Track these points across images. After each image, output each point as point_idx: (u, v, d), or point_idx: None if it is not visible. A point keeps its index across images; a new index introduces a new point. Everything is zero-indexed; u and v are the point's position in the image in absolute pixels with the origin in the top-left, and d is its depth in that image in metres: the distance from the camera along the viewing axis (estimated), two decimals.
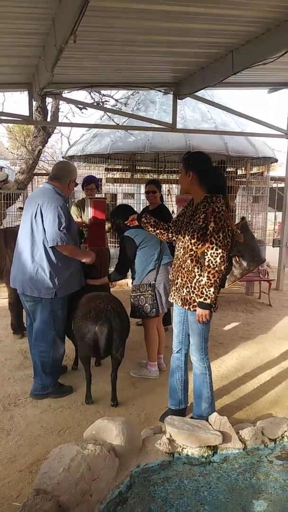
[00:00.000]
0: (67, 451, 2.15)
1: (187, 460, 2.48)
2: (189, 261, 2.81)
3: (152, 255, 3.70)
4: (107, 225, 4.75)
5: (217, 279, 2.70)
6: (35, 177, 9.66)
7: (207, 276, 2.69)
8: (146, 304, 3.67)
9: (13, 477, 2.50)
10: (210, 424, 2.65)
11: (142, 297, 3.69)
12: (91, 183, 5.29)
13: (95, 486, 2.04)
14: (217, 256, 2.66)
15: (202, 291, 2.72)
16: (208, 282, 2.69)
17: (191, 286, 2.81)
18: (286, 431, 2.69)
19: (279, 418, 2.88)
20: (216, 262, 2.66)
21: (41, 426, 3.05)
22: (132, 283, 3.91)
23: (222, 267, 2.69)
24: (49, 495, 1.89)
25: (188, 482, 2.34)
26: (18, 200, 8.25)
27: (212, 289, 2.69)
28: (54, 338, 3.40)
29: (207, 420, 2.71)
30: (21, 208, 7.67)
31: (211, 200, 2.76)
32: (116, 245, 6.99)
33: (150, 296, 3.66)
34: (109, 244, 6.10)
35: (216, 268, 2.67)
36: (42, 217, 3.23)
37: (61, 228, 3.20)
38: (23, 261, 3.31)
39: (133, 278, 3.90)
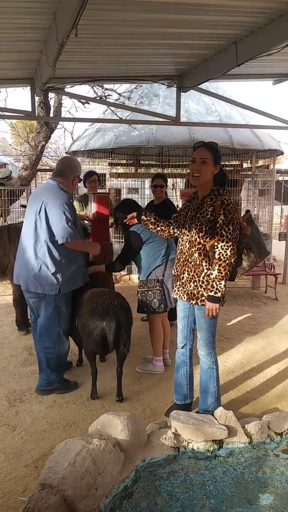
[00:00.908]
0: (72, 445, 2.16)
1: (192, 454, 2.47)
2: (196, 254, 2.78)
3: (160, 250, 3.68)
4: (111, 220, 4.74)
5: (228, 272, 2.69)
6: (39, 173, 9.64)
7: (217, 269, 2.68)
8: (154, 300, 3.65)
9: (19, 472, 2.51)
10: (216, 419, 2.64)
11: (150, 292, 3.67)
12: (92, 175, 5.27)
13: (101, 480, 2.04)
14: (228, 249, 2.65)
15: (212, 284, 2.71)
16: (219, 275, 2.68)
17: (199, 280, 2.79)
18: None
19: (285, 412, 2.87)
20: (227, 255, 2.66)
21: (47, 421, 3.06)
22: (138, 279, 3.89)
23: (232, 260, 2.69)
24: (54, 489, 1.89)
25: (193, 476, 2.34)
26: (22, 196, 8.26)
27: (223, 282, 2.69)
28: (59, 334, 3.40)
29: (213, 415, 2.70)
30: (23, 206, 7.67)
31: (218, 193, 2.75)
32: (120, 240, 6.98)
33: (158, 291, 3.65)
34: (113, 240, 6.10)
35: (227, 261, 2.67)
36: (46, 214, 3.22)
37: (69, 224, 3.21)
38: (27, 258, 3.31)
39: (139, 273, 3.88)
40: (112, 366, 3.62)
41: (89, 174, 5.32)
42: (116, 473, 2.17)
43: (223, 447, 2.52)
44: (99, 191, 5.58)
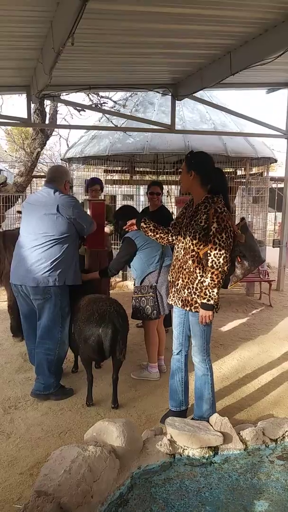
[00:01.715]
0: (68, 453, 2.15)
1: (188, 461, 2.47)
2: (190, 261, 2.80)
3: (154, 256, 3.69)
4: (110, 228, 4.76)
5: (220, 280, 2.70)
6: (34, 179, 9.65)
7: (210, 277, 2.68)
8: (147, 306, 3.66)
9: (14, 480, 2.49)
10: (211, 425, 2.64)
11: (143, 298, 3.68)
12: (95, 184, 5.26)
13: (96, 487, 2.03)
14: (220, 257, 2.66)
15: (205, 292, 2.71)
16: (211, 283, 2.69)
17: (193, 287, 2.80)
18: (287, 431, 2.68)
19: (280, 418, 2.87)
20: (219, 263, 2.67)
21: (42, 428, 3.04)
22: (134, 285, 3.90)
23: (225, 268, 2.69)
24: (50, 497, 1.88)
25: (189, 483, 2.33)
26: (17, 202, 8.25)
27: (215, 290, 2.69)
28: (61, 336, 3.45)
29: (208, 421, 2.70)
30: (19, 212, 7.65)
31: (212, 200, 2.76)
32: (117, 247, 6.99)
33: (151, 298, 3.65)
34: (112, 246, 6.09)
35: (220, 269, 2.67)
36: (65, 215, 3.40)
37: (88, 218, 3.61)
38: (34, 256, 3.37)
39: (135, 280, 3.89)
40: (108, 373, 3.62)
41: (92, 183, 5.30)
42: (112, 480, 2.17)
43: (219, 453, 2.52)
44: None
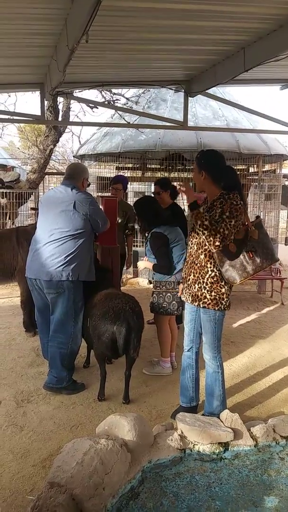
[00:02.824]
0: (80, 445, 2.18)
1: (198, 456, 2.49)
2: (202, 256, 2.83)
3: (182, 253, 3.70)
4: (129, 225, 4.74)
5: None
6: (47, 176, 9.72)
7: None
8: (174, 302, 3.67)
9: (27, 472, 2.54)
10: (222, 421, 2.65)
11: (168, 294, 3.69)
12: (118, 182, 5.21)
13: (108, 480, 2.07)
14: (212, 236, 2.68)
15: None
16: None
17: (203, 281, 2.82)
18: None
19: None
20: (209, 241, 2.70)
21: (54, 422, 3.09)
22: (153, 279, 3.86)
23: (217, 241, 2.67)
24: (62, 488, 1.92)
25: (199, 478, 2.35)
26: (30, 199, 8.32)
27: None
28: (74, 329, 3.50)
29: (219, 417, 2.72)
30: (33, 209, 7.71)
31: (228, 196, 2.76)
32: (139, 244, 6.99)
33: (177, 293, 3.60)
34: (134, 243, 6.08)
35: (206, 247, 2.75)
36: (82, 211, 3.45)
37: (103, 215, 3.65)
38: (49, 250, 3.43)
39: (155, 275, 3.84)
40: (119, 369, 3.65)
41: (115, 181, 5.24)
42: (123, 473, 2.20)
43: (229, 449, 2.53)
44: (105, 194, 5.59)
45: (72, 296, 3.45)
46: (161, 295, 3.71)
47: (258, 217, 3.02)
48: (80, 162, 8.71)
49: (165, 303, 3.69)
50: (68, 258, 3.40)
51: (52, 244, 3.43)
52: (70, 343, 3.49)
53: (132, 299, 3.41)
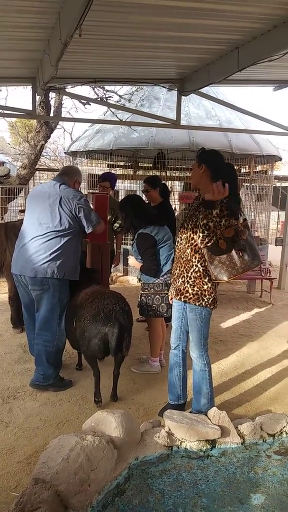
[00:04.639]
0: (66, 441, 2.16)
1: (185, 453, 2.49)
2: (188, 250, 2.84)
3: (169, 254, 3.64)
4: (117, 223, 4.71)
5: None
6: (37, 172, 9.65)
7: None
8: (163, 304, 3.62)
9: (12, 468, 2.51)
10: (209, 419, 2.65)
11: (157, 296, 3.64)
12: (105, 180, 5.13)
13: (94, 476, 2.05)
14: (201, 232, 2.65)
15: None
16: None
17: (187, 275, 2.84)
18: (285, 426, 2.70)
19: (278, 414, 2.88)
20: (197, 236, 2.70)
21: (40, 418, 3.06)
22: (141, 281, 3.80)
23: (200, 242, 2.67)
24: (47, 484, 1.90)
25: (186, 475, 2.35)
26: (20, 195, 8.25)
27: None
28: (59, 327, 3.45)
29: (206, 415, 2.72)
30: (21, 211, 7.60)
31: None
32: (128, 242, 6.96)
33: (166, 295, 3.55)
34: (124, 241, 6.02)
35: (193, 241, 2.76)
36: (68, 207, 3.39)
37: (94, 213, 3.54)
38: (35, 246, 3.37)
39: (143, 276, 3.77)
40: (107, 366, 3.62)
41: (102, 178, 5.17)
42: (109, 470, 2.18)
43: (216, 447, 2.54)
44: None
45: (57, 293, 3.40)
46: (149, 297, 3.65)
47: (245, 219, 3.02)
48: (72, 160, 8.68)
49: (154, 305, 3.63)
50: (53, 255, 3.34)
51: (37, 240, 3.37)
52: (55, 340, 3.45)
53: (121, 298, 3.33)
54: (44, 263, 3.33)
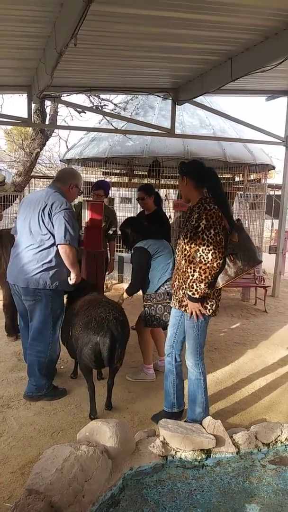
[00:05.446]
0: (60, 451, 2.14)
1: (180, 463, 2.47)
2: (183, 261, 2.86)
3: (168, 263, 3.66)
4: (111, 230, 4.71)
5: (209, 276, 2.71)
6: (32, 180, 9.66)
7: (198, 272, 2.72)
8: (165, 313, 3.61)
9: (5, 478, 2.48)
10: (204, 428, 2.64)
11: (160, 306, 3.64)
12: (99, 188, 5.11)
13: (88, 487, 2.03)
14: (209, 253, 2.69)
15: (192, 285, 2.74)
16: (199, 278, 2.71)
17: (185, 287, 2.83)
18: (279, 435, 2.69)
19: (273, 423, 2.87)
20: (208, 258, 2.69)
21: (34, 428, 3.03)
22: (144, 292, 3.78)
23: (215, 264, 2.70)
24: (41, 495, 1.87)
25: (181, 485, 2.33)
26: (15, 202, 8.25)
27: (202, 285, 2.71)
28: (52, 338, 3.40)
29: (201, 424, 2.70)
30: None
31: (204, 201, 2.83)
32: (122, 249, 6.95)
33: (169, 304, 3.52)
34: (117, 249, 6.00)
35: (208, 265, 2.69)
36: (50, 216, 3.26)
37: (69, 231, 3.25)
38: (27, 256, 3.31)
39: (146, 288, 3.75)
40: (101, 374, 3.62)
41: (96, 187, 5.16)
42: (104, 480, 2.16)
43: (211, 456, 2.52)
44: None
45: (50, 304, 3.33)
46: (152, 307, 3.65)
47: (238, 220, 3.06)
48: (73, 168, 8.69)
49: (157, 315, 3.63)
50: (46, 265, 3.26)
51: (30, 250, 3.30)
52: (48, 351, 3.38)
53: (116, 308, 3.27)
54: (36, 274, 3.26)
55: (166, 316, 3.61)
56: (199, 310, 2.79)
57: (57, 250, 3.29)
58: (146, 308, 3.69)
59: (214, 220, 2.72)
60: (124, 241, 3.90)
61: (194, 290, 2.73)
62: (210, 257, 2.69)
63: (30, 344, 3.41)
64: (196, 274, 2.72)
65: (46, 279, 3.27)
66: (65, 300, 3.64)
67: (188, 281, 2.78)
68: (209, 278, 2.72)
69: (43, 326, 3.36)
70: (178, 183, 3.08)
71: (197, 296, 2.73)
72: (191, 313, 2.81)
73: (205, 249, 2.69)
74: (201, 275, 2.70)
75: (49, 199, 3.30)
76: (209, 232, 2.70)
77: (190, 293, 2.76)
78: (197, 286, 2.72)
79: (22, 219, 3.43)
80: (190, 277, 2.77)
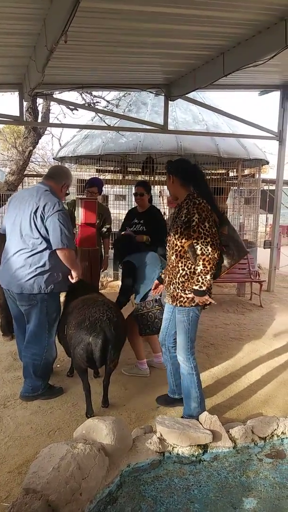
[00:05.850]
0: (57, 450, 2.14)
1: (177, 459, 2.48)
2: (173, 257, 2.91)
3: (154, 271, 3.72)
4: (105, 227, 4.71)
5: (213, 267, 2.77)
6: (26, 178, 9.62)
7: (202, 264, 2.76)
8: (156, 320, 3.63)
9: (2, 478, 2.48)
10: (201, 423, 2.65)
11: (150, 313, 3.67)
12: (93, 186, 5.08)
13: (85, 485, 2.03)
14: (208, 245, 2.74)
15: (198, 278, 2.79)
16: (204, 270, 2.76)
17: (176, 282, 2.91)
18: (276, 429, 2.70)
19: (269, 417, 2.89)
20: (208, 250, 2.74)
21: (31, 427, 3.03)
22: (135, 303, 3.85)
23: (215, 255, 2.76)
24: (38, 494, 1.87)
25: (178, 480, 2.34)
26: (8, 201, 8.20)
27: (208, 276, 2.77)
28: (48, 341, 3.36)
29: (198, 419, 2.71)
30: None
31: (192, 196, 2.89)
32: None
33: (158, 311, 3.62)
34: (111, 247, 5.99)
35: (210, 256, 2.75)
36: (43, 219, 3.16)
37: (66, 232, 3.17)
38: (20, 260, 3.23)
39: (135, 297, 3.86)
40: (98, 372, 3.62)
41: (90, 184, 5.13)
42: (101, 478, 2.16)
43: (208, 451, 2.53)
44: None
45: (45, 308, 3.28)
46: (144, 316, 3.69)
47: (223, 213, 3.11)
48: (66, 167, 8.64)
49: (149, 322, 3.68)
50: (39, 270, 3.19)
51: (22, 254, 3.20)
52: (44, 354, 3.34)
53: (111, 308, 3.20)
54: (29, 279, 3.19)
55: (157, 323, 3.63)
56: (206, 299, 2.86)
57: (50, 254, 3.21)
58: (138, 318, 3.72)
59: (206, 213, 2.79)
60: (115, 256, 4.08)
61: (200, 283, 2.78)
62: (210, 249, 2.74)
63: (26, 346, 3.38)
64: (200, 267, 2.77)
65: (40, 284, 3.21)
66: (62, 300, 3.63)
67: (180, 282, 2.87)
68: (213, 269, 2.79)
69: (39, 329, 3.32)
70: (166, 181, 3.14)
71: (204, 288, 2.79)
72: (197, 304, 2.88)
73: (204, 241, 2.75)
74: (206, 267, 2.76)
75: (41, 200, 3.18)
76: (204, 226, 2.76)
77: (196, 287, 2.79)
78: (202, 279, 2.77)
79: (12, 220, 3.31)
80: (183, 276, 2.86)
